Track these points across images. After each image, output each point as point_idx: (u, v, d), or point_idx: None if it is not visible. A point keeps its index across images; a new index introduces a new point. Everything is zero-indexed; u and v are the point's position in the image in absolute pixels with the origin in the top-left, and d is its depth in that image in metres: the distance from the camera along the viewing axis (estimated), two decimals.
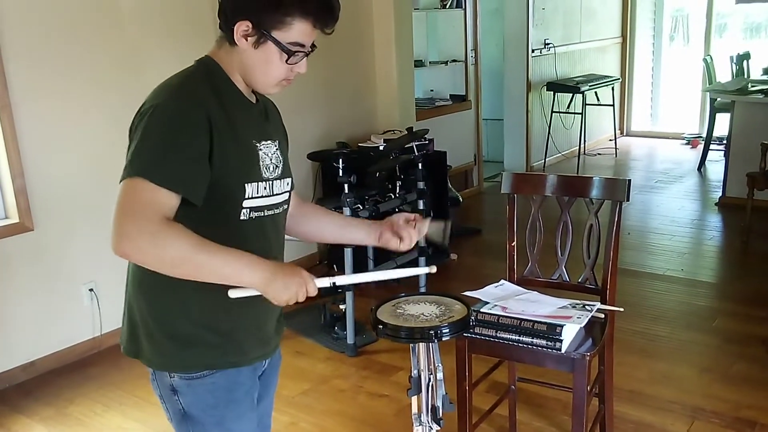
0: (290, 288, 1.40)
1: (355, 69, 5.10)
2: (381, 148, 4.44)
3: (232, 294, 1.41)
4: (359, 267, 3.77)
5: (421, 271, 1.86)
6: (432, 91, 6.50)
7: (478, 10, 6.40)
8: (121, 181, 1.36)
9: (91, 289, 3.63)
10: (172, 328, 1.52)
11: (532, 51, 7.03)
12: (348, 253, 3.54)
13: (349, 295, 3.56)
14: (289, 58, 1.47)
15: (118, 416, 3.10)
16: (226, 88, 1.50)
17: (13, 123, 3.26)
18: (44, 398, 3.26)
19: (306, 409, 3.09)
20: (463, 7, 6.27)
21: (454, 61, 6.38)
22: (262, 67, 1.47)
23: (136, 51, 3.61)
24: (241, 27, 1.44)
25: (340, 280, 1.56)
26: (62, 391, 3.32)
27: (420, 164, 3.89)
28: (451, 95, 6.40)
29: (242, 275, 1.37)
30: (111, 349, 3.66)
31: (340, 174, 3.60)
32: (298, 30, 1.44)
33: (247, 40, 1.45)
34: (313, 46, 1.52)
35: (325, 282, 1.48)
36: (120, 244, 1.30)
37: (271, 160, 1.55)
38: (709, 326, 3.73)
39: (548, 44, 7.24)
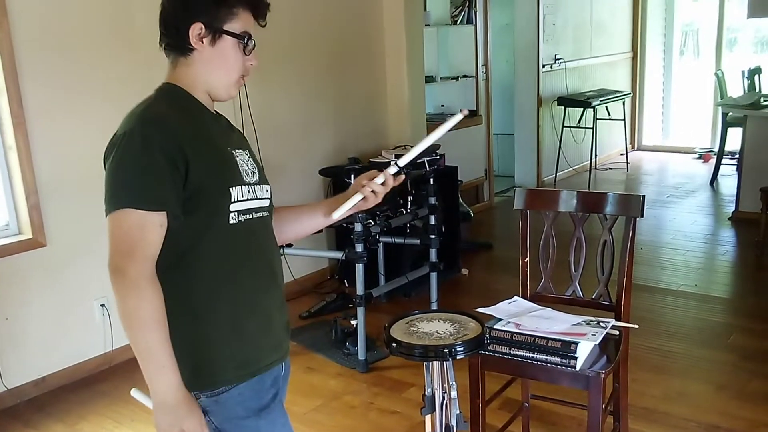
0: (174, 428, 1.46)
1: (366, 85, 5.11)
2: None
3: (133, 392, 1.52)
4: (370, 282, 3.76)
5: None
6: (443, 106, 6.50)
7: (488, 25, 6.41)
8: (107, 214, 1.44)
9: (102, 305, 3.63)
10: (186, 350, 1.52)
11: (543, 66, 7.03)
12: (359, 269, 3.54)
13: (360, 311, 3.54)
14: (245, 47, 1.54)
15: None
16: (191, 104, 1.56)
17: (28, 140, 3.28)
18: (55, 414, 3.26)
19: (317, 425, 3.07)
20: (474, 23, 6.29)
21: (465, 76, 6.38)
22: (222, 63, 1.54)
23: (149, 68, 3.61)
24: (195, 30, 1.51)
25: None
26: (73, 407, 3.32)
27: (431, 179, 3.88)
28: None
29: (156, 380, 1.45)
30: (122, 364, 3.66)
31: None
32: (243, 19, 1.54)
33: (203, 42, 1.52)
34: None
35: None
36: (117, 275, 1.42)
37: (248, 166, 1.60)
38: (725, 342, 3.69)
39: (559, 59, 7.24)
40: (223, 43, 1.52)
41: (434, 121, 5.93)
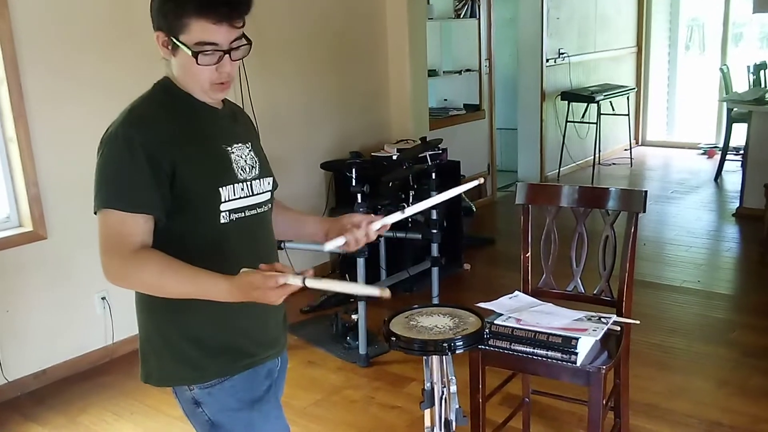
0: (264, 289, 1.35)
1: (368, 78, 5.09)
2: (394, 157, 4.43)
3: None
4: (372, 277, 3.75)
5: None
6: (446, 100, 6.48)
7: (492, 19, 6.38)
8: (95, 212, 1.47)
9: (103, 298, 3.63)
10: (179, 343, 1.53)
11: (547, 60, 6.99)
12: (360, 263, 3.53)
13: (361, 305, 3.54)
14: (197, 59, 1.46)
15: (129, 425, 3.09)
16: (183, 101, 1.53)
17: (29, 131, 3.27)
18: (56, 406, 3.26)
19: (317, 419, 3.07)
20: (477, 16, 6.26)
21: (468, 70, 6.36)
22: (186, 72, 1.50)
23: (150, 60, 3.61)
24: (160, 38, 1.49)
25: (312, 282, 1.42)
26: (74, 399, 3.32)
27: (433, 174, 3.87)
28: (464, 105, 6.38)
29: (217, 294, 1.40)
30: (123, 357, 3.66)
31: (353, 184, 3.59)
32: (198, 29, 1.43)
33: (168, 49, 1.49)
34: (247, 39, 1.50)
35: (296, 280, 1.38)
36: (107, 277, 1.45)
37: (246, 161, 1.57)
38: (727, 339, 3.68)
39: (563, 53, 7.21)
40: (181, 53, 1.47)
41: (437, 115, 5.92)
